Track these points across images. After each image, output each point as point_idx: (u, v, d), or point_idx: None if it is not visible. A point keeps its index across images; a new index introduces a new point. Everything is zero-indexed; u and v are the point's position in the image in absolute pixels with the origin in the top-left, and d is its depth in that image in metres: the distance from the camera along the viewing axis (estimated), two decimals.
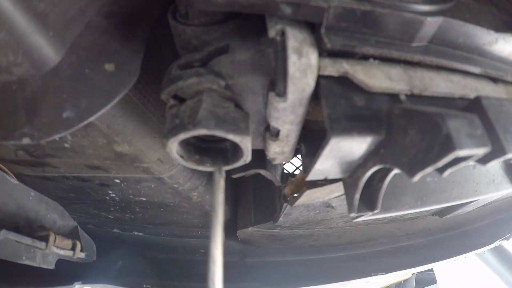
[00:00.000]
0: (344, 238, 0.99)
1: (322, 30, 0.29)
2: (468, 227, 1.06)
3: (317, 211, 0.71)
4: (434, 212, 0.89)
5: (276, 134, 0.38)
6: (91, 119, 0.33)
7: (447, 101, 0.32)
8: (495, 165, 0.49)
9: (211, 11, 0.35)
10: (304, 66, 0.28)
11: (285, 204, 0.65)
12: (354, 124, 0.27)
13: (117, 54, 0.36)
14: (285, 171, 1.02)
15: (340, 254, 1.03)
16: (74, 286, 0.80)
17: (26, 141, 0.31)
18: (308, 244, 0.99)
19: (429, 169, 0.24)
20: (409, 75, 0.31)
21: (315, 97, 0.30)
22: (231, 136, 0.31)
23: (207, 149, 0.37)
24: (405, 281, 1.37)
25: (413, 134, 0.25)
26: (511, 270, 1.54)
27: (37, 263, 0.63)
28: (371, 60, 0.31)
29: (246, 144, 0.32)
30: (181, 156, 0.35)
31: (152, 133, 0.52)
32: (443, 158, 0.22)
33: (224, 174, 0.34)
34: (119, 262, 0.91)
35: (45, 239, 0.62)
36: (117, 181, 0.65)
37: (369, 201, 0.35)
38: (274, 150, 0.40)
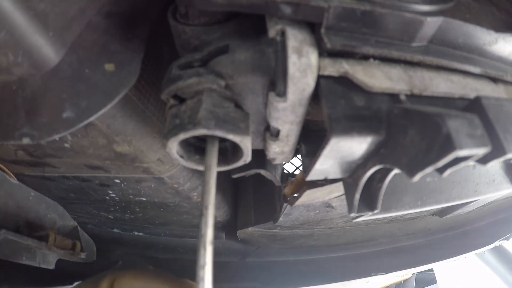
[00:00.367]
0: (344, 238, 0.99)
1: (322, 30, 0.29)
2: (468, 227, 1.06)
3: (317, 211, 0.71)
4: (434, 212, 0.89)
5: (276, 134, 0.38)
6: (91, 119, 0.33)
7: (447, 101, 0.32)
8: (495, 165, 0.49)
9: (211, 11, 0.35)
10: (304, 66, 0.28)
11: (285, 204, 0.65)
12: (354, 124, 0.27)
13: (117, 54, 0.36)
14: (285, 171, 1.02)
15: (340, 254, 1.03)
16: (74, 286, 0.80)
17: (26, 141, 0.31)
18: (308, 244, 0.99)
19: (429, 169, 0.24)
20: (409, 75, 0.31)
21: (315, 97, 0.30)
22: (231, 136, 0.31)
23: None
24: (405, 281, 1.37)
25: (413, 134, 0.25)
26: (511, 270, 1.54)
27: (37, 263, 0.63)
28: (371, 60, 0.31)
29: (246, 144, 0.32)
30: (181, 156, 0.35)
31: (152, 133, 0.52)
32: (443, 158, 0.22)
33: (217, 144, 0.33)
34: (119, 262, 0.91)
35: (45, 239, 0.62)
36: (117, 181, 0.65)
37: (369, 201, 0.35)
38: (274, 150, 0.40)
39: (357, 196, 0.34)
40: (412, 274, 1.37)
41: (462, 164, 0.25)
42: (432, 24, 0.31)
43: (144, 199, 0.74)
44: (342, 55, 0.30)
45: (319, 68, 0.29)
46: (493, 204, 0.94)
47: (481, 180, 0.48)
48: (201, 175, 0.69)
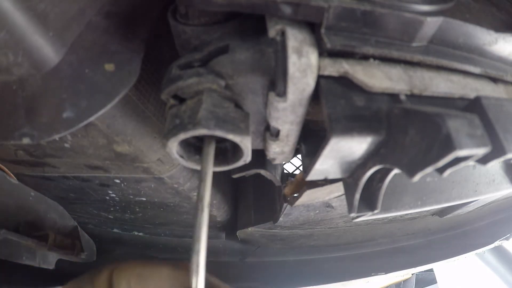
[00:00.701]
0: (344, 238, 0.99)
1: (322, 30, 0.29)
2: (468, 227, 1.06)
3: (317, 211, 0.71)
4: (434, 212, 0.89)
5: (276, 134, 0.38)
6: (91, 119, 0.33)
7: (447, 101, 0.32)
8: (495, 165, 0.49)
9: (211, 11, 0.35)
10: (304, 66, 0.28)
11: (285, 204, 0.65)
12: (354, 124, 0.27)
13: (117, 54, 0.36)
14: (285, 171, 1.02)
15: (340, 254, 1.03)
16: (74, 280, 0.80)
17: (26, 141, 0.31)
18: (308, 244, 0.99)
19: (429, 169, 0.24)
20: (409, 75, 0.31)
21: (315, 97, 0.30)
22: (231, 136, 0.31)
23: None
24: (405, 281, 1.37)
25: (413, 134, 0.25)
26: (511, 270, 1.54)
27: (37, 263, 0.63)
28: (371, 60, 0.31)
29: (246, 144, 0.32)
30: (181, 156, 0.35)
31: (152, 133, 0.52)
32: (443, 158, 0.22)
33: (214, 144, 0.34)
34: None
35: (45, 239, 0.62)
36: (117, 181, 0.65)
37: (369, 201, 0.35)
38: (274, 150, 0.40)
39: (357, 196, 0.34)
40: (412, 274, 1.37)
41: (462, 164, 0.25)
42: (432, 24, 0.31)
43: (144, 199, 0.74)
44: (342, 55, 0.30)
45: (319, 68, 0.29)
46: (493, 204, 0.94)
47: (481, 180, 0.48)
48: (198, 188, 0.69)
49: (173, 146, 0.32)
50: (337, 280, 0.96)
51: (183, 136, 0.30)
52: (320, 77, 0.29)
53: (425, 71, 0.32)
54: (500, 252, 1.55)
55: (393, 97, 0.30)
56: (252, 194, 0.93)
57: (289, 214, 0.71)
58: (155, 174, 0.59)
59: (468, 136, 0.23)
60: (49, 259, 0.67)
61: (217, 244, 1.00)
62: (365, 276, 0.97)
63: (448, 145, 0.22)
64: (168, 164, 0.59)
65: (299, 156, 0.51)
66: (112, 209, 0.82)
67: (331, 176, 0.37)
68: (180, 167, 0.62)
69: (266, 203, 0.88)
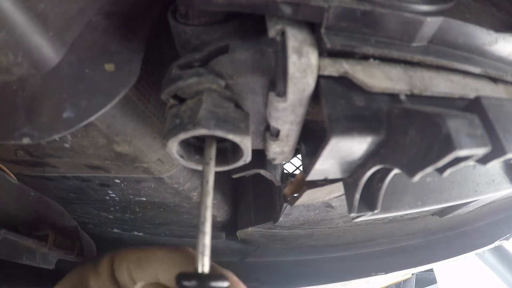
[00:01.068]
0: (344, 238, 0.99)
1: (322, 30, 0.29)
2: (468, 227, 1.06)
3: (317, 211, 0.71)
4: (434, 212, 0.89)
5: (276, 134, 0.38)
6: (91, 119, 0.33)
7: (447, 101, 0.32)
8: (495, 165, 0.49)
9: (211, 11, 0.35)
10: (304, 66, 0.28)
11: (285, 204, 0.65)
12: (354, 124, 0.27)
13: (117, 54, 0.36)
14: (285, 171, 1.02)
15: (340, 254, 1.03)
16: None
17: (26, 141, 0.31)
18: (308, 244, 0.99)
19: (429, 169, 0.24)
20: (409, 75, 0.31)
21: (315, 97, 0.30)
22: (231, 136, 0.31)
23: None
24: (405, 281, 1.37)
25: (413, 134, 0.25)
26: (511, 270, 1.54)
27: (37, 263, 0.63)
28: (371, 60, 0.31)
29: (246, 144, 0.32)
30: (181, 156, 0.35)
31: (152, 133, 0.52)
32: (443, 158, 0.22)
33: (215, 144, 0.34)
34: None
35: (45, 239, 0.62)
36: (117, 181, 0.65)
37: (369, 201, 0.35)
38: (274, 150, 0.40)
39: (357, 196, 0.34)
40: (412, 274, 1.37)
41: (462, 164, 0.25)
42: (432, 24, 0.31)
43: (144, 199, 0.74)
44: (342, 55, 0.30)
45: (319, 68, 0.29)
46: (493, 204, 0.94)
47: (481, 180, 0.48)
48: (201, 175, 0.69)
49: (173, 146, 0.32)
50: (337, 280, 0.96)
51: (183, 136, 0.30)
52: (320, 77, 0.29)
53: (425, 71, 0.32)
54: (500, 252, 1.55)
55: (393, 97, 0.30)
56: (252, 194, 0.93)
57: (289, 214, 0.71)
58: (155, 174, 0.59)
59: (468, 136, 0.23)
60: (49, 259, 0.67)
61: (217, 244, 1.00)
62: (365, 276, 0.97)
63: (448, 145, 0.22)
64: (168, 164, 0.59)
65: (299, 156, 0.51)
66: (112, 209, 0.82)
67: (331, 176, 0.37)
68: (180, 167, 0.62)
69: (266, 203, 0.88)
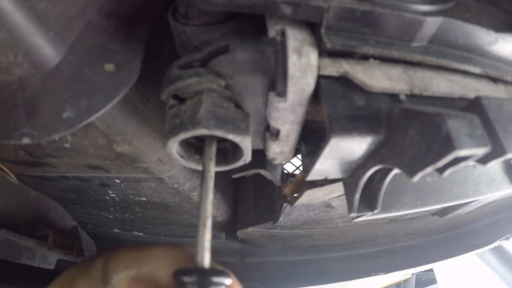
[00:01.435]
0: (344, 238, 0.99)
1: (322, 30, 0.29)
2: (468, 227, 1.06)
3: (317, 211, 0.71)
4: (434, 212, 0.89)
5: (276, 134, 0.38)
6: (91, 119, 0.33)
7: (447, 101, 0.32)
8: (495, 165, 0.49)
9: (211, 11, 0.35)
10: (304, 66, 0.28)
11: (285, 204, 0.65)
12: (354, 124, 0.27)
13: (117, 54, 0.36)
14: (285, 171, 1.02)
15: (340, 254, 1.03)
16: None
17: (26, 141, 0.31)
18: (308, 244, 0.99)
19: (429, 169, 0.24)
20: (409, 75, 0.31)
21: (315, 97, 0.30)
22: (231, 136, 0.31)
23: None
24: (405, 281, 1.37)
25: (413, 134, 0.25)
26: (511, 270, 1.54)
27: (37, 263, 0.63)
28: (371, 60, 0.31)
29: (246, 144, 0.32)
30: (181, 156, 0.35)
31: (152, 133, 0.52)
32: (443, 158, 0.22)
33: (215, 144, 0.34)
34: None
35: (45, 239, 0.62)
36: (117, 181, 0.65)
37: (369, 201, 0.35)
38: (274, 150, 0.40)
39: (357, 196, 0.34)
40: (412, 274, 1.37)
41: (462, 164, 0.25)
42: (432, 24, 0.31)
43: (144, 199, 0.74)
44: (342, 55, 0.30)
45: (319, 68, 0.29)
46: (493, 204, 0.93)
47: (481, 180, 0.48)
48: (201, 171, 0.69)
49: (173, 146, 0.32)
50: (337, 280, 0.96)
51: (183, 136, 0.30)
52: (320, 77, 0.29)
53: (425, 71, 0.32)
54: (500, 252, 1.55)
55: (393, 97, 0.30)
56: (252, 194, 0.93)
57: (289, 214, 0.71)
58: (155, 174, 0.59)
59: (468, 136, 0.23)
60: (49, 259, 0.67)
61: (217, 244, 1.00)
62: (365, 276, 0.97)
63: (448, 145, 0.22)
64: (168, 164, 0.59)
65: (299, 156, 0.51)
66: (112, 209, 0.82)
67: (331, 176, 0.37)
68: (180, 167, 0.62)
69: (266, 203, 0.88)
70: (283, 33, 0.29)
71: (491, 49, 0.36)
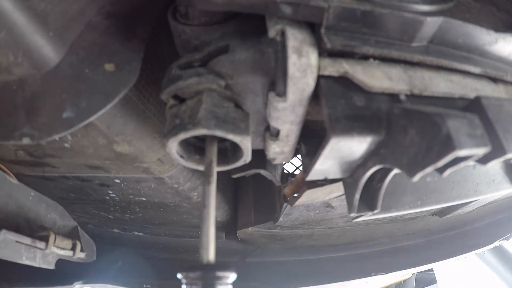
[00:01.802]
0: (344, 238, 0.99)
1: (322, 30, 0.29)
2: (468, 227, 1.06)
3: (317, 211, 0.71)
4: (434, 212, 0.89)
5: (276, 134, 0.38)
6: (91, 119, 0.33)
7: (447, 101, 0.32)
8: (495, 165, 0.49)
9: (211, 11, 0.35)
10: (304, 66, 0.28)
11: (285, 204, 0.65)
12: (354, 124, 0.27)
13: (117, 54, 0.36)
14: (285, 171, 1.02)
15: (340, 254, 1.03)
16: (74, 286, 0.80)
17: (26, 141, 0.31)
18: (308, 244, 0.99)
19: (429, 169, 0.24)
20: (409, 75, 0.31)
21: (315, 97, 0.30)
22: (231, 136, 0.31)
23: None
24: (405, 281, 1.37)
25: (413, 134, 0.25)
26: (511, 270, 1.54)
27: (37, 263, 0.63)
28: (371, 60, 0.31)
29: (246, 144, 0.32)
30: (181, 156, 0.35)
31: (152, 133, 0.52)
32: (443, 158, 0.22)
33: (216, 143, 0.34)
34: (119, 262, 0.91)
35: (45, 239, 0.61)
36: (117, 181, 0.65)
37: (369, 201, 0.35)
38: (274, 150, 0.40)
39: (357, 196, 0.34)
40: (412, 274, 1.36)
41: (462, 164, 0.25)
42: (432, 24, 0.31)
43: (144, 199, 0.74)
44: (342, 55, 0.30)
45: (319, 68, 0.29)
46: (493, 204, 0.94)
47: (481, 180, 0.48)
48: (201, 175, 0.69)
49: (173, 146, 0.32)
50: (337, 280, 0.96)
51: (183, 136, 0.30)
52: (320, 77, 0.29)
53: (425, 71, 0.32)
54: (500, 252, 1.55)
55: (393, 97, 0.30)
56: (252, 194, 0.93)
57: (289, 214, 0.71)
58: (155, 174, 0.59)
59: (468, 136, 0.23)
60: (49, 259, 0.67)
61: (217, 244, 1.00)
62: (365, 276, 0.97)
63: (448, 145, 0.22)
64: (168, 164, 0.59)
65: (299, 156, 0.51)
66: (112, 209, 0.82)
67: (331, 176, 0.37)
68: (180, 167, 0.62)
69: (266, 203, 0.88)
70: (283, 33, 0.29)
71: (491, 49, 0.36)
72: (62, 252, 0.66)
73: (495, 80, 0.37)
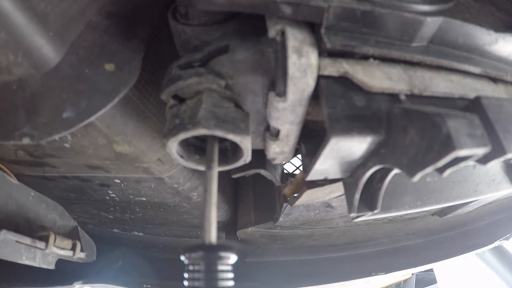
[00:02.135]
0: (344, 238, 0.99)
1: (322, 30, 0.29)
2: (468, 227, 1.06)
3: (317, 211, 0.71)
4: (434, 212, 0.89)
5: (276, 134, 0.38)
6: (91, 119, 0.33)
7: (447, 101, 0.32)
8: (495, 165, 0.49)
9: (211, 11, 0.35)
10: (304, 66, 0.28)
11: (285, 204, 0.65)
12: (354, 124, 0.27)
13: (117, 54, 0.36)
14: (285, 171, 1.02)
15: (340, 254, 1.03)
16: (74, 286, 0.80)
17: (26, 141, 0.31)
18: (308, 244, 0.99)
19: (429, 169, 0.24)
20: (409, 75, 0.31)
21: (315, 97, 0.30)
22: (231, 136, 0.31)
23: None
24: (405, 281, 1.37)
25: (413, 134, 0.25)
26: (511, 270, 1.54)
27: (37, 263, 0.63)
28: (371, 60, 0.31)
29: (246, 144, 0.32)
30: (181, 156, 0.35)
31: (152, 133, 0.52)
32: (443, 158, 0.22)
33: (217, 143, 0.34)
34: (119, 262, 0.91)
35: (45, 239, 0.61)
36: (117, 181, 0.65)
37: (369, 201, 0.35)
38: (274, 150, 0.40)
39: (357, 196, 0.34)
40: (412, 274, 1.36)
41: (462, 164, 0.25)
42: (432, 24, 0.31)
43: (144, 199, 0.74)
44: (342, 55, 0.30)
45: (319, 68, 0.29)
46: (493, 204, 0.94)
47: (481, 180, 0.48)
48: (201, 175, 0.69)
49: (173, 146, 0.32)
50: (337, 280, 0.96)
51: (183, 136, 0.30)
52: (320, 77, 0.29)
53: (425, 71, 0.32)
54: (500, 252, 1.55)
55: (393, 97, 0.30)
56: (252, 194, 0.93)
57: (289, 214, 0.71)
58: (155, 174, 0.59)
59: (468, 136, 0.23)
60: (49, 259, 0.67)
61: None
62: (365, 276, 0.97)
63: (448, 145, 0.22)
64: (168, 164, 0.59)
65: (299, 156, 0.51)
66: (112, 209, 0.82)
67: (331, 176, 0.37)
68: (180, 167, 0.62)
69: (266, 203, 0.88)
70: (283, 33, 0.29)
71: (491, 49, 0.36)
72: (62, 252, 0.66)
73: (495, 80, 0.37)
